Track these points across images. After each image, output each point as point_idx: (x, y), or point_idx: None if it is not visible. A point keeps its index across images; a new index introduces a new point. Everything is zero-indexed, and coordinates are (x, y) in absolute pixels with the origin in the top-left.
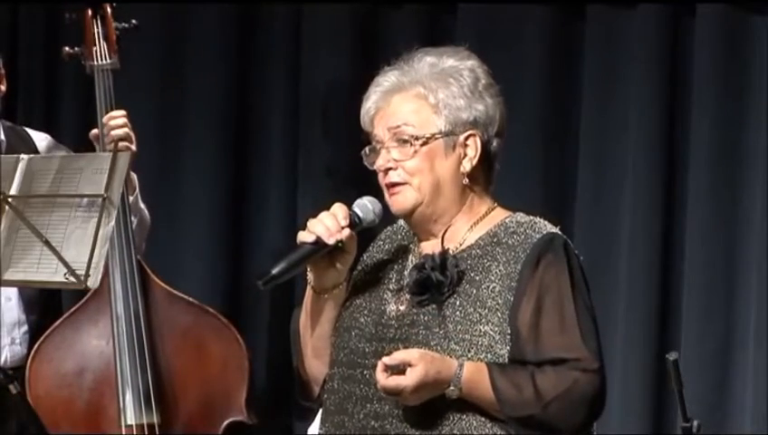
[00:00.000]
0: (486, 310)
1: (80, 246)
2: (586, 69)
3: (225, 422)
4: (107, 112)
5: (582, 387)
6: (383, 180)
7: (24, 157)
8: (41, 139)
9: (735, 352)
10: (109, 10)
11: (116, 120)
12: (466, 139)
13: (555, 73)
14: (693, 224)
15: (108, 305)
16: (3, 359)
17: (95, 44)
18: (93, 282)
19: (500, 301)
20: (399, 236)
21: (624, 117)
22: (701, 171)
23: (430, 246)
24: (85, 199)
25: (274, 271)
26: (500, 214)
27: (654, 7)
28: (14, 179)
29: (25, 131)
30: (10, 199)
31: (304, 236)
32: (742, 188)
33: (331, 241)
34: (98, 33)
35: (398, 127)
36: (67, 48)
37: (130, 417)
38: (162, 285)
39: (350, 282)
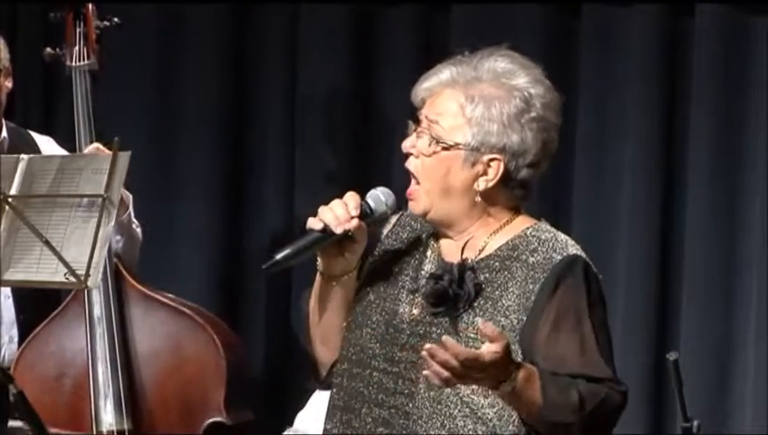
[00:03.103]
0: (500, 327)
1: (80, 246)
2: (582, 69)
3: (205, 423)
4: (84, 114)
5: (612, 405)
6: (405, 163)
7: (24, 157)
8: (44, 141)
9: (735, 351)
10: (91, 8)
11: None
12: (490, 160)
13: (551, 73)
14: (693, 224)
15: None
16: (1, 357)
17: (75, 45)
18: (93, 282)
19: (514, 320)
20: (418, 226)
21: (622, 116)
22: (701, 171)
23: (448, 247)
24: (85, 199)
25: (279, 256)
26: (522, 223)
27: (652, 7)
28: (14, 179)
29: (29, 134)
30: (10, 199)
31: (313, 223)
32: (741, 188)
33: (338, 230)
34: (79, 33)
35: (435, 121)
36: (48, 49)
37: (103, 423)
38: (137, 286)
39: (365, 269)
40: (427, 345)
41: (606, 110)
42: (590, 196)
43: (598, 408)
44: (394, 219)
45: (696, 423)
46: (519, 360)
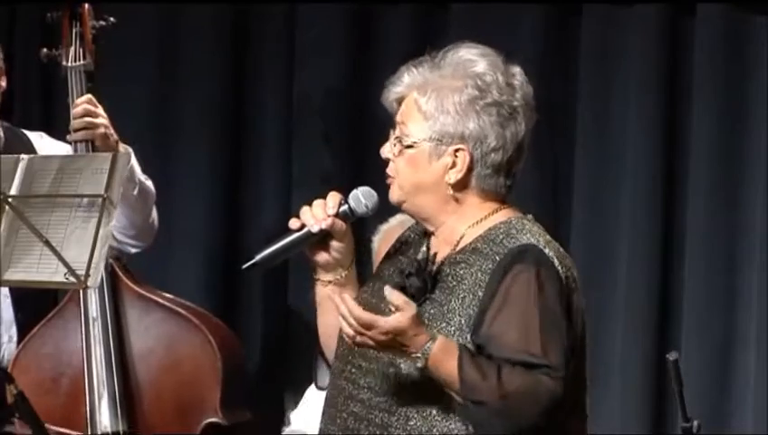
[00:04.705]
0: (455, 319)
1: (80, 246)
2: (582, 69)
3: (201, 424)
4: None
5: (543, 389)
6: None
7: (25, 157)
8: (36, 137)
9: (736, 351)
10: (87, 9)
11: (76, 110)
12: (455, 151)
13: (551, 74)
14: (693, 224)
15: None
16: (0, 357)
17: (71, 45)
18: (93, 282)
19: (470, 311)
20: (420, 227)
21: (622, 116)
22: (701, 171)
23: (434, 243)
24: (85, 199)
25: (258, 257)
26: (502, 216)
27: (652, 7)
28: (14, 179)
29: (23, 132)
30: (10, 199)
31: (292, 223)
32: (742, 188)
33: (314, 229)
34: (75, 33)
35: (401, 122)
36: (45, 49)
37: (99, 424)
38: (133, 286)
39: (375, 270)
40: (335, 297)
41: (606, 109)
42: (590, 195)
43: (521, 393)
44: (410, 223)
45: (695, 423)
46: (439, 335)
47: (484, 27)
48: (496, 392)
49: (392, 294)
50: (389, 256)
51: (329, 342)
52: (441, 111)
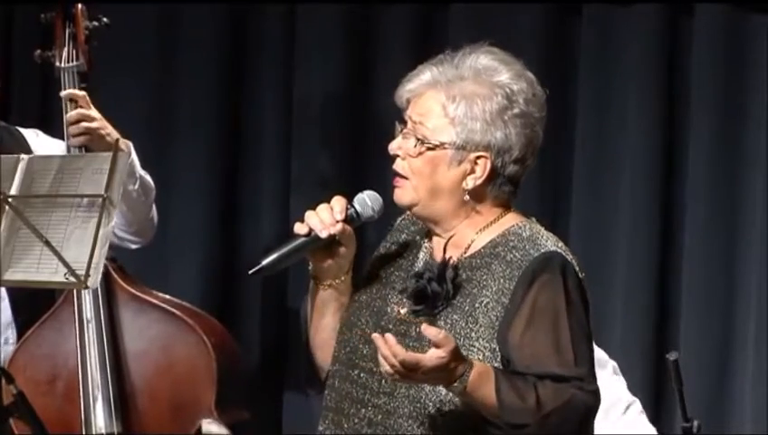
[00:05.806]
0: (478, 325)
1: (80, 246)
2: (582, 69)
3: (197, 425)
4: None
5: (579, 404)
6: (393, 164)
7: (25, 157)
8: (32, 135)
9: (735, 351)
10: (80, 9)
11: (71, 114)
12: (476, 158)
13: (551, 74)
14: (693, 224)
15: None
16: None
17: (65, 46)
18: (93, 282)
19: (492, 317)
20: (414, 228)
21: (622, 117)
22: (701, 171)
23: (438, 246)
24: (85, 199)
25: (264, 262)
26: (510, 220)
27: (652, 7)
28: (14, 179)
29: (18, 131)
30: (10, 199)
31: (299, 228)
32: (742, 188)
33: (323, 235)
34: (68, 34)
35: (419, 122)
36: (39, 50)
37: (94, 426)
38: (127, 287)
39: (363, 272)
40: (374, 335)
41: (606, 110)
42: (589, 195)
43: (561, 409)
44: (395, 223)
45: (695, 423)
46: (475, 360)
47: (484, 27)
48: (537, 414)
49: (428, 330)
50: (384, 257)
51: (324, 345)
52: (470, 118)
